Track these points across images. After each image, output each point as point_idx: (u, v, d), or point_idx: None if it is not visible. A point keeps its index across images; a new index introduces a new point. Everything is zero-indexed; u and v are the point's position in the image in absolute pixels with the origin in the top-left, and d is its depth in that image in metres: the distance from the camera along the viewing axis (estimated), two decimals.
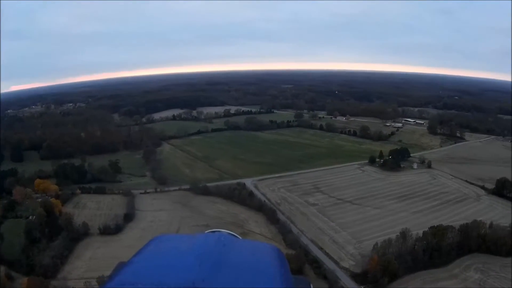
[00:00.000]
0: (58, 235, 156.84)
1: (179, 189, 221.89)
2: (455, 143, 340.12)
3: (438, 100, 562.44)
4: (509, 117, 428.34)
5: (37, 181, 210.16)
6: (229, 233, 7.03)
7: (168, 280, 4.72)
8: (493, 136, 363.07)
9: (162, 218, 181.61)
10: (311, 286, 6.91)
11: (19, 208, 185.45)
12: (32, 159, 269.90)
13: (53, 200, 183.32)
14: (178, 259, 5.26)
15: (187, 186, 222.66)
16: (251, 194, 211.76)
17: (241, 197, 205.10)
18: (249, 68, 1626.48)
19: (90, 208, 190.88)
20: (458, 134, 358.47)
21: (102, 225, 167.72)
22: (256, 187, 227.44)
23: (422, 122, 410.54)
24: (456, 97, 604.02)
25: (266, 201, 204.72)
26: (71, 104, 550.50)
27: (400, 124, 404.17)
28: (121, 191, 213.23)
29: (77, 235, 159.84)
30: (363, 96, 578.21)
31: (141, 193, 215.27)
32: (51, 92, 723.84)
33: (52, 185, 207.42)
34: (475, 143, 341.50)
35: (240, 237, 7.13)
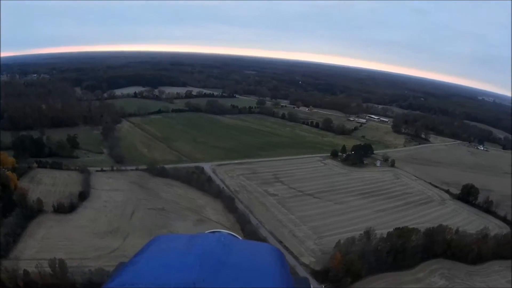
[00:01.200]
0: (12, 212, 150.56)
1: (136, 169, 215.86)
2: (419, 144, 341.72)
3: (404, 100, 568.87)
4: (475, 123, 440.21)
5: None
6: (229, 233, 6.82)
7: (168, 280, 4.72)
8: (458, 141, 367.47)
9: (117, 198, 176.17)
10: (311, 287, 6.73)
11: None
12: None
13: (9, 173, 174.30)
14: (178, 259, 5.24)
15: (145, 167, 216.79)
16: (209, 179, 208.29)
17: (199, 181, 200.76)
18: (213, 52, 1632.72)
19: (45, 184, 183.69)
20: (423, 136, 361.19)
21: (56, 202, 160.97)
22: (214, 172, 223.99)
23: (387, 120, 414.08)
24: (422, 99, 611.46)
25: (225, 187, 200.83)
26: (35, 75, 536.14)
27: (364, 120, 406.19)
28: (77, 168, 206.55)
29: (31, 212, 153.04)
30: (327, 88, 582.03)
31: (97, 171, 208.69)
32: (16, 62, 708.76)
33: (9, 158, 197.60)
34: (440, 146, 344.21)
35: (240, 237, 6.90)
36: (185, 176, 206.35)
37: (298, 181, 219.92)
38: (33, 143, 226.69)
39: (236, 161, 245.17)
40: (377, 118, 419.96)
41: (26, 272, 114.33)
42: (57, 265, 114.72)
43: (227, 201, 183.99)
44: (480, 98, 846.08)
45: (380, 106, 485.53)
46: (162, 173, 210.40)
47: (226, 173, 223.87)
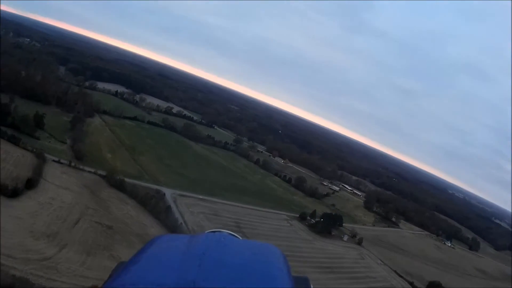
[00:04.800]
0: None
1: (94, 173, 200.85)
2: (388, 227, 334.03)
3: (377, 177, 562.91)
4: (445, 217, 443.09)
5: None
6: (229, 233, 6.55)
7: (168, 280, 4.60)
8: (426, 232, 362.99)
9: (64, 199, 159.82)
10: (311, 286, 6.52)
11: None
12: None
13: None
14: (178, 259, 5.06)
15: (103, 173, 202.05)
16: (168, 209, 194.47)
17: (157, 208, 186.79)
18: (199, 74, 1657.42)
19: None
20: (393, 219, 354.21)
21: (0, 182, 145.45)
22: (175, 202, 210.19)
23: (360, 194, 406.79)
24: (395, 179, 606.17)
25: (183, 223, 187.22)
26: (28, 40, 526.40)
27: (337, 188, 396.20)
28: (34, 150, 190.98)
29: None
30: (304, 145, 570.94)
31: (53, 161, 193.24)
32: (14, 20, 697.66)
33: None
34: (408, 233, 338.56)
35: (240, 237, 6.67)
36: (143, 197, 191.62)
37: (259, 236, 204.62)
38: None
39: (199, 196, 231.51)
40: (350, 190, 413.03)
41: None
42: None
43: None
44: (450, 191, 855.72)
45: (354, 178, 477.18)
46: (119, 186, 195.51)
47: (187, 207, 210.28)
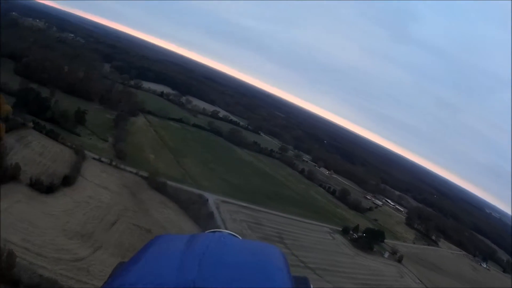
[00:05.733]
0: None
1: (136, 173, 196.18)
2: (428, 245, 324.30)
3: (419, 192, 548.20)
4: (483, 238, 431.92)
5: None
6: (229, 233, 6.68)
7: (168, 280, 4.68)
8: (464, 252, 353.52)
9: (103, 199, 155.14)
10: (311, 286, 6.35)
11: None
12: (6, 68, 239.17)
13: None
14: (178, 259, 5.11)
15: (145, 174, 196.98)
16: (210, 215, 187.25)
17: (199, 214, 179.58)
18: (242, 78, 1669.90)
19: (32, 150, 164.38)
20: (433, 237, 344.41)
21: (35, 176, 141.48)
22: (218, 208, 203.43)
23: (402, 209, 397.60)
24: (436, 196, 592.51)
25: (224, 231, 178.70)
26: (72, 35, 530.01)
27: (380, 202, 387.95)
28: (74, 146, 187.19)
29: (2, 176, 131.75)
30: (347, 155, 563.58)
31: (93, 158, 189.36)
32: (57, 15, 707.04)
33: (6, 105, 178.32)
34: (446, 253, 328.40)
35: (240, 237, 6.73)
36: (185, 202, 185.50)
37: (302, 249, 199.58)
38: (38, 101, 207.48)
39: (243, 203, 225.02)
40: (393, 205, 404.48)
41: None
42: (4, 255, 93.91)
43: None
44: (488, 211, 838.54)
45: (396, 192, 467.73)
46: (161, 189, 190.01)
47: (230, 214, 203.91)
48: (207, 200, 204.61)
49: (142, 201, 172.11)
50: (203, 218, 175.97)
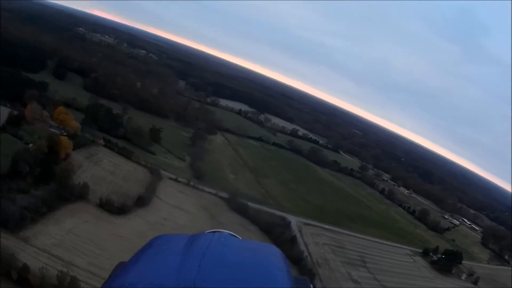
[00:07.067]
0: (46, 184, 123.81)
1: (215, 194, 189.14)
2: (501, 265, 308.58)
3: (492, 210, 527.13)
4: None
5: (60, 108, 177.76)
6: (229, 233, 6.22)
7: (168, 280, 4.62)
8: None
9: (179, 221, 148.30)
10: (311, 287, 6.19)
11: (25, 127, 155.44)
12: (74, 83, 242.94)
13: (63, 138, 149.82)
14: (178, 259, 4.99)
15: (225, 195, 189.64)
16: (293, 239, 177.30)
17: (281, 238, 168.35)
18: (318, 95, 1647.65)
19: (103, 168, 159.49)
20: (506, 257, 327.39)
21: (106, 196, 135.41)
22: (300, 231, 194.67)
23: (478, 229, 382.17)
24: (507, 213, 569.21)
25: (308, 256, 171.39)
26: (144, 51, 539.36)
27: (457, 222, 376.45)
28: (148, 165, 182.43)
29: (70, 195, 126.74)
30: (424, 174, 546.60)
31: (170, 178, 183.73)
32: (126, 31, 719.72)
33: (73, 121, 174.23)
34: None
35: (240, 237, 6.33)
36: (267, 225, 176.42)
37: (383, 273, 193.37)
38: (109, 117, 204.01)
39: (325, 226, 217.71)
40: (469, 224, 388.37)
41: (25, 267, 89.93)
42: (67, 282, 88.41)
43: (306, 274, 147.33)
44: None
45: (471, 211, 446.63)
46: (241, 210, 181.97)
47: (312, 237, 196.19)
48: (290, 222, 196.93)
49: (221, 223, 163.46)
50: (286, 242, 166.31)
